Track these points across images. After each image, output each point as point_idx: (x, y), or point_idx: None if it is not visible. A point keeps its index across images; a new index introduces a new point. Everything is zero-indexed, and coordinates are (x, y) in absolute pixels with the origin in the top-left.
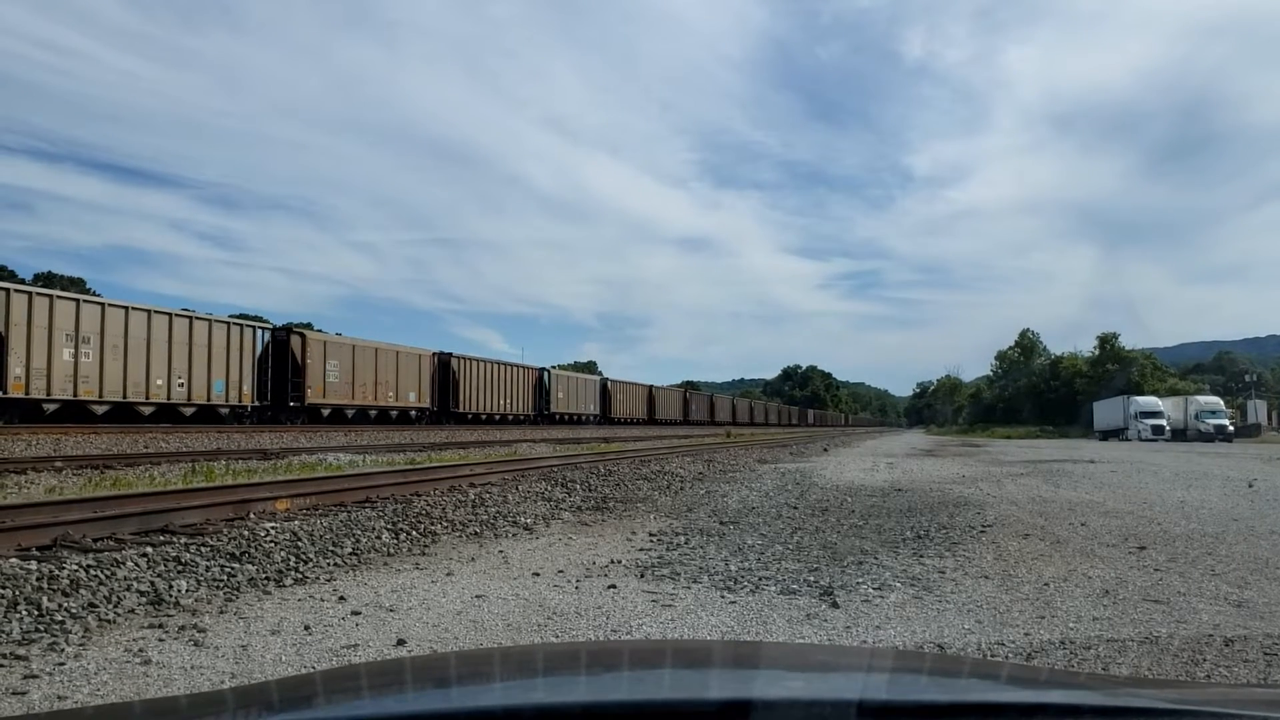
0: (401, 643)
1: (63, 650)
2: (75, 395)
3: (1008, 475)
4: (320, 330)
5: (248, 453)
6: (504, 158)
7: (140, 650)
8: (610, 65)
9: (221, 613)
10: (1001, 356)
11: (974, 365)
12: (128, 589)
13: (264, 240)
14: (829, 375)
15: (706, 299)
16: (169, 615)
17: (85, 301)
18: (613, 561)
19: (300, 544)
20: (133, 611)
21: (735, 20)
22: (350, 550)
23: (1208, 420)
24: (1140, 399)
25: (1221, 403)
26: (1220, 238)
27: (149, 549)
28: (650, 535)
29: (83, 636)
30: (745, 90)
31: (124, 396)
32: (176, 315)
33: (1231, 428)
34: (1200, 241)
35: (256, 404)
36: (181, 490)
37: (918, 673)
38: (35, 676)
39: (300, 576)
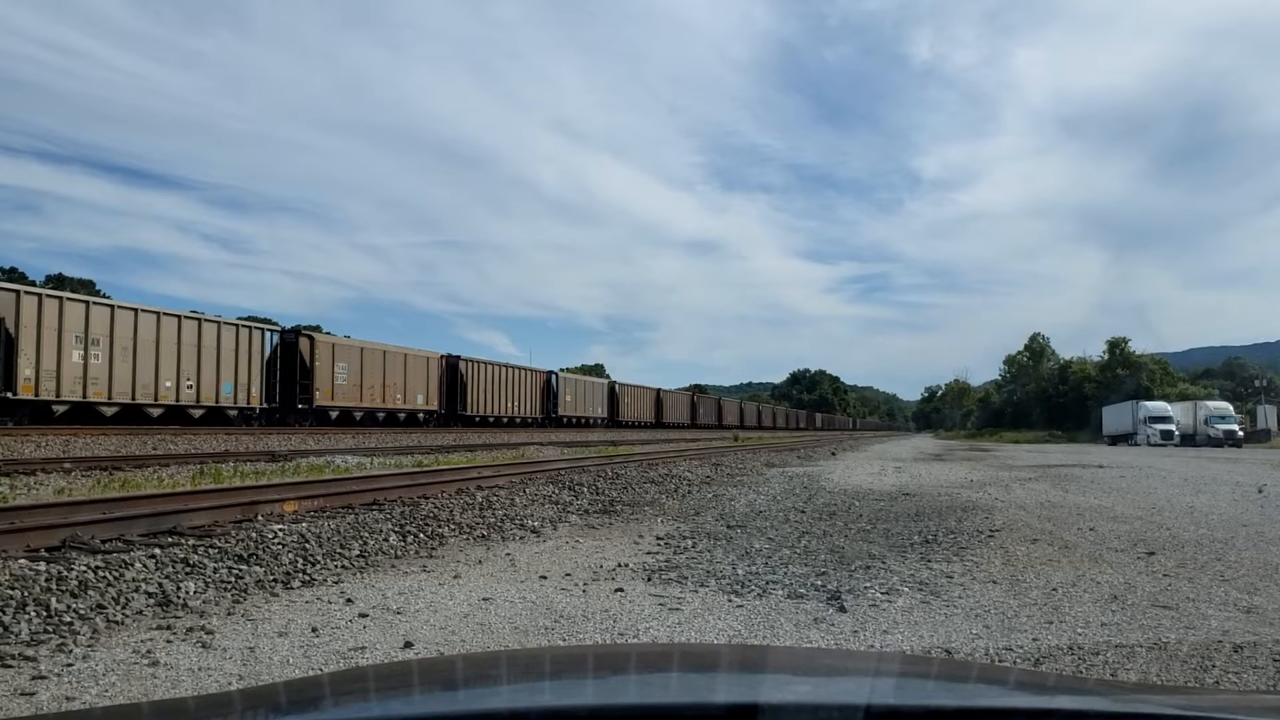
0: (409, 645)
1: (71, 651)
2: (84, 397)
3: (1016, 480)
4: (328, 333)
5: (256, 455)
6: (510, 160)
7: (148, 652)
8: (616, 67)
9: (229, 614)
10: (1010, 360)
11: (982, 369)
12: (136, 590)
13: (271, 242)
14: (837, 379)
15: (714, 302)
16: (177, 617)
17: (94, 303)
18: (620, 565)
19: (308, 546)
20: (141, 613)
21: (742, 22)
22: (358, 553)
23: (1217, 425)
24: (1149, 404)
25: (1231, 408)
26: (1229, 242)
27: (157, 550)
28: (657, 539)
29: (91, 638)
30: (752, 93)
31: (133, 398)
32: (185, 317)
33: (1241, 433)
34: (1209, 246)
35: (265, 406)
36: (190, 492)
37: (925, 677)
38: (43, 677)
39: (308, 579)
